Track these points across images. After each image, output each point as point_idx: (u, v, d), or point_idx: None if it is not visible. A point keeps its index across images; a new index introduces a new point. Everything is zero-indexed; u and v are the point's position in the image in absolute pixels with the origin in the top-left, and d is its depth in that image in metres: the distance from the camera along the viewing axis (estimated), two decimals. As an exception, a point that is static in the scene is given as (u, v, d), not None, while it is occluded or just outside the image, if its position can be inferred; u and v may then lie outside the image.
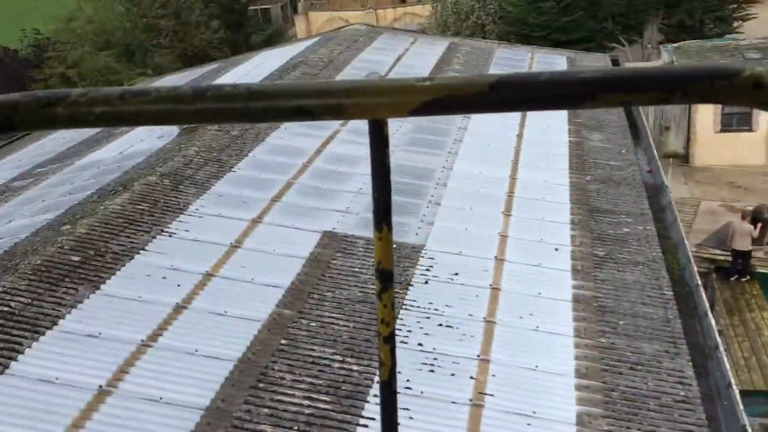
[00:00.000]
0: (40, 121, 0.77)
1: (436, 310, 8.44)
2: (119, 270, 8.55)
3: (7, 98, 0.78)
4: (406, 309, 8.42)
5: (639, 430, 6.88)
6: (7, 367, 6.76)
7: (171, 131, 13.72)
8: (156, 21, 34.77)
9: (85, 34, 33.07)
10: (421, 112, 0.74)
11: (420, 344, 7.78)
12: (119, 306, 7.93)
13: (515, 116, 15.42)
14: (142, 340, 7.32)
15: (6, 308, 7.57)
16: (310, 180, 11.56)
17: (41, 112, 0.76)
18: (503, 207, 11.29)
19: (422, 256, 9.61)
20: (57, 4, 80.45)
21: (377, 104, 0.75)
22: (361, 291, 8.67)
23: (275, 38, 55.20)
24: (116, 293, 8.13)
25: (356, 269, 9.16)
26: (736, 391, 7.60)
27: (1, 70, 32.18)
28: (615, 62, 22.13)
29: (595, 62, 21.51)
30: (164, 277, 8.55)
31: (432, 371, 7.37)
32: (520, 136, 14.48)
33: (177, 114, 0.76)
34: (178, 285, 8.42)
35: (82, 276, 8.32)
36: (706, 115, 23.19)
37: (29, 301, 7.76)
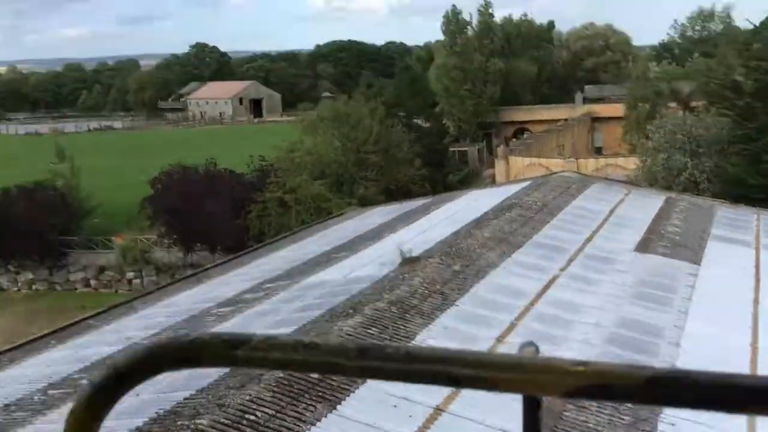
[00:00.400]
0: (223, 360, 0.83)
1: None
2: (353, 392, 8.67)
3: (197, 339, 0.83)
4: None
5: None
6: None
7: (393, 260, 14.17)
8: (367, 156, 37.25)
9: (303, 163, 36.02)
10: (574, 395, 0.73)
11: None
12: (354, 430, 7.99)
13: (749, 278, 14.42)
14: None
15: (253, 417, 7.88)
16: (534, 323, 11.32)
17: (225, 353, 0.82)
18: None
19: (661, 421, 8.90)
20: (283, 135, 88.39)
21: (529, 382, 0.75)
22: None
23: (471, 178, 56.73)
24: (351, 416, 8.21)
25: (590, 425, 8.64)
26: None
27: (227, 190, 35.58)
28: None
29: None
30: (395, 406, 8.54)
31: None
32: (756, 301, 13.41)
33: (341, 368, 0.80)
34: (410, 416, 8.36)
35: (320, 394, 8.52)
36: None
37: (273, 412, 8.03)
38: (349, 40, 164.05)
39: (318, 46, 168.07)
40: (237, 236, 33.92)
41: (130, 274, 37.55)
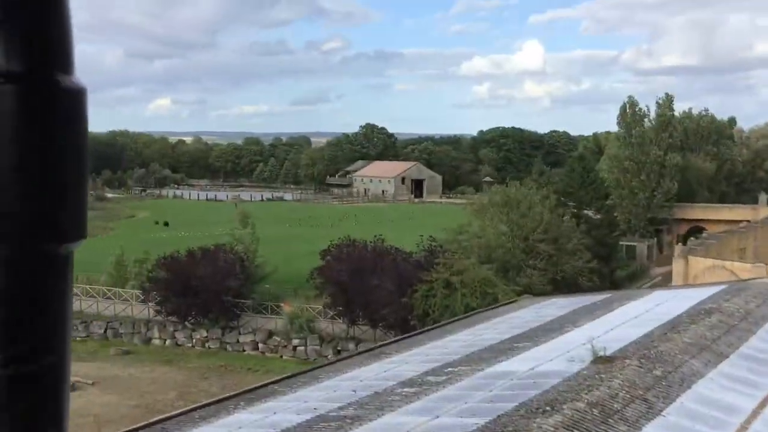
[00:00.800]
0: None
1: None
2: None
3: None
4: None
5: None
6: None
7: (582, 356, 13.58)
8: (535, 244, 36.67)
9: (470, 247, 36.02)
10: None
11: None
12: None
13: None
14: None
15: None
16: (752, 445, 10.31)
17: None
18: None
19: None
20: (443, 215, 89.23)
21: None
22: None
23: (639, 275, 54.05)
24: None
25: None
26: None
27: (395, 268, 36.15)
28: None
29: None
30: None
31: None
32: None
33: None
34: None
35: None
36: None
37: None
38: (512, 127, 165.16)
39: (481, 132, 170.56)
40: (401, 314, 34.19)
41: (295, 341, 38.72)
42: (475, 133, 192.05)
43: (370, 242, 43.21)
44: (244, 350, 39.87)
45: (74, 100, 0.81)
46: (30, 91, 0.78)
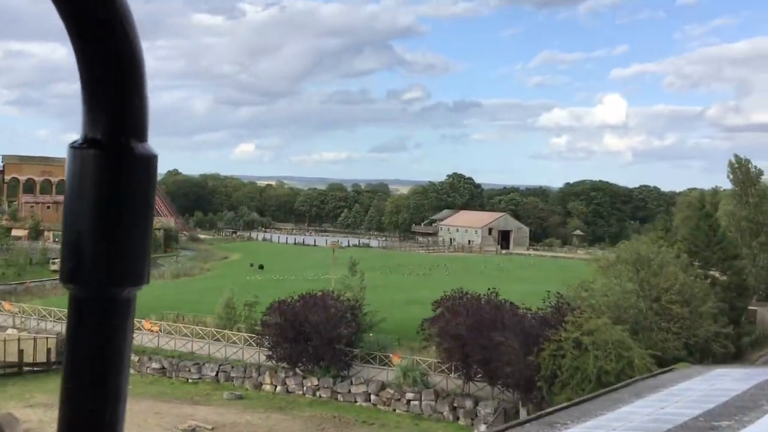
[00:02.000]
0: None
1: None
2: None
3: None
4: None
5: None
6: None
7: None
8: (668, 306, 34.91)
9: (598, 305, 34.56)
10: None
11: None
12: None
13: None
14: None
15: None
16: None
17: None
18: None
19: None
20: (545, 269, 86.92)
21: None
22: None
23: (761, 342, 50.99)
24: None
25: None
26: None
27: (518, 324, 34.98)
28: None
29: None
30: None
31: None
32: None
33: None
34: None
35: None
36: None
37: None
38: (600, 180, 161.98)
39: (567, 184, 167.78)
40: (525, 373, 32.88)
41: (409, 395, 37.78)
42: (560, 185, 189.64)
43: (484, 296, 42.23)
44: (355, 401, 39.17)
45: (146, 165, 0.92)
46: (108, 156, 0.89)
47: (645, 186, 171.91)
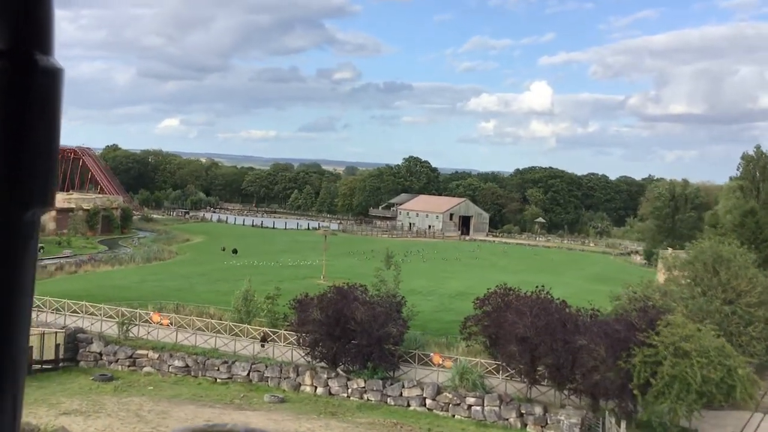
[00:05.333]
0: None
1: None
2: None
3: (233, 429, 0.78)
4: None
5: None
6: None
7: None
8: (748, 309, 33.66)
9: (676, 308, 32.93)
10: None
11: None
12: None
13: None
14: None
15: None
16: None
17: None
18: None
19: None
20: (522, 257, 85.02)
21: None
22: None
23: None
24: None
25: None
26: None
27: (600, 327, 33.03)
28: None
29: None
30: None
31: None
32: None
33: None
34: None
35: None
36: None
37: None
38: (551, 167, 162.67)
39: (518, 170, 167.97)
40: (616, 381, 30.98)
41: (470, 400, 35.42)
42: (488, 170, 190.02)
43: (532, 293, 40.21)
44: (409, 405, 36.53)
45: (51, 79, 0.88)
46: (10, 67, 0.85)
47: (593, 174, 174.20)
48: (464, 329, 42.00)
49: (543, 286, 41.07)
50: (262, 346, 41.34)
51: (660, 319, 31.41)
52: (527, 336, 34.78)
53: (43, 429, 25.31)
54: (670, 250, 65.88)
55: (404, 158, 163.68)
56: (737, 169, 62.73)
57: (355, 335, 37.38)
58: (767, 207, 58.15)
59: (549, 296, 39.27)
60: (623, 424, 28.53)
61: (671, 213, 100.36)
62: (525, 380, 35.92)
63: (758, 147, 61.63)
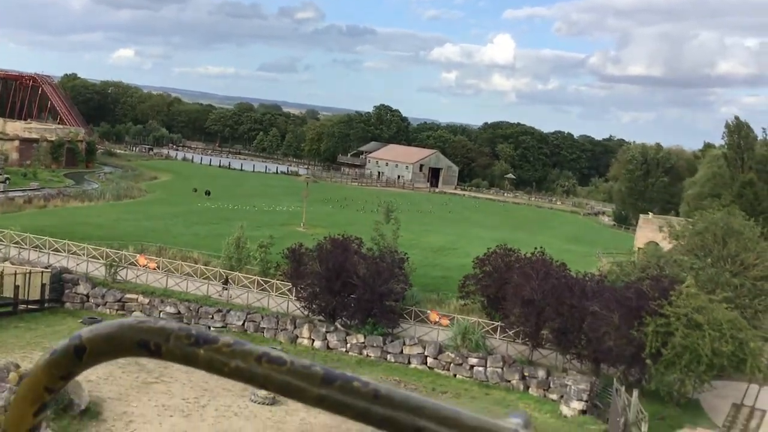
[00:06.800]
0: (182, 356, 0.80)
1: None
2: None
3: (166, 327, 0.81)
4: None
5: None
6: None
7: None
8: (755, 282, 33.84)
9: (689, 279, 32.88)
10: None
11: None
12: None
13: None
14: None
15: None
16: None
17: (186, 349, 0.79)
18: None
19: None
20: (494, 213, 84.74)
21: None
22: None
23: None
24: None
25: None
26: None
27: (611, 294, 32.82)
28: None
29: None
30: None
31: None
32: None
33: (301, 392, 0.76)
34: None
35: None
36: None
37: None
38: (520, 123, 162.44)
39: (487, 124, 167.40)
40: (628, 349, 30.91)
41: (472, 360, 35.12)
42: (448, 121, 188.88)
43: (532, 255, 39.88)
44: (410, 363, 36.10)
45: None
46: None
47: (559, 132, 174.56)
48: (463, 288, 41.60)
49: (543, 248, 40.78)
50: (225, 288, 40.27)
51: (673, 288, 31.27)
52: (533, 299, 34.46)
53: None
54: (650, 214, 66.32)
55: (375, 106, 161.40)
56: (722, 138, 63.00)
57: (356, 290, 36.56)
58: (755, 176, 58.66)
59: (549, 258, 39.05)
60: (635, 393, 28.47)
61: (643, 176, 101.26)
62: (528, 343, 35.74)
63: (737, 118, 62.04)
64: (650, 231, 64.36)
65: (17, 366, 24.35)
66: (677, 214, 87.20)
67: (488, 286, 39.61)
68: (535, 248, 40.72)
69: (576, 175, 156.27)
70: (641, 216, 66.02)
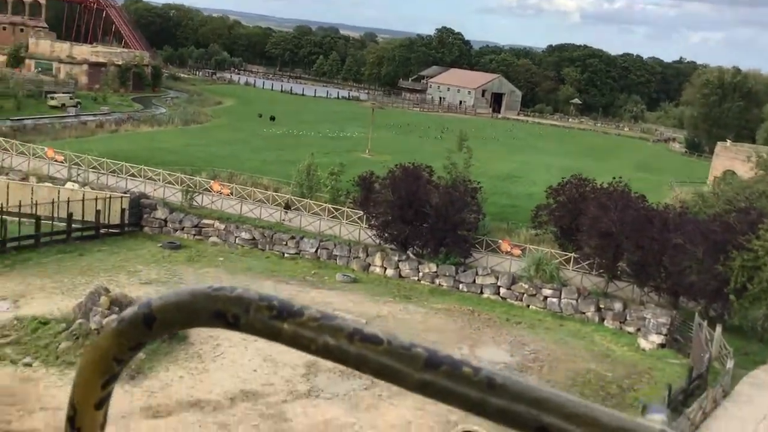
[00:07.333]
0: (263, 330, 0.73)
1: None
2: None
3: (245, 297, 0.74)
4: None
5: None
6: None
7: None
8: None
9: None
10: None
11: None
12: None
13: None
14: None
15: None
16: None
17: (267, 323, 0.72)
18: None
19: None
20: (569, 140, 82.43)
21: None
22: None
23: None
24: None
25: None
26: None
27: (695, 226, 31.85)
28: None
29: None
30: None
31: None
32: None
33: (400, 376, 0.67)
34: None
35: None
36: None
37: None
38: (587, 45, 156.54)
39: (551, 47, 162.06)
40: (713, 284, 30.14)
41: (546, 292, 34.90)
42: (533, 46, 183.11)
43: (609, 185, 38.86)
44: (482, 293, 36.05)
45: None
46: None
47: (628, 54, 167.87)
48: (535, 218, 41.01)
49: (620, 178, 39.66)
50: (286, 212, 40.66)
51: (761, 222, 30.11)
52: (611, 231, 33.70)
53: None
54: (728, 141, 63.72)
55: (436, 29, 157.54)
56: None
57: (429, 219, 36.36)
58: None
59: (627, 189, 38.00)
60: (718, 328, 27.86)
61: (718, 101, 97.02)
62: (603, 275, 35.19)
63: None
64: (728, 159, 62.05)
65: (107, 290, 25.12)
66: (753, 141, 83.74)
67: (562, 216, 38.92)
68: (613, 178, 39.64)
69: (644, 99, 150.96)
70: (718, 143, 63.52)
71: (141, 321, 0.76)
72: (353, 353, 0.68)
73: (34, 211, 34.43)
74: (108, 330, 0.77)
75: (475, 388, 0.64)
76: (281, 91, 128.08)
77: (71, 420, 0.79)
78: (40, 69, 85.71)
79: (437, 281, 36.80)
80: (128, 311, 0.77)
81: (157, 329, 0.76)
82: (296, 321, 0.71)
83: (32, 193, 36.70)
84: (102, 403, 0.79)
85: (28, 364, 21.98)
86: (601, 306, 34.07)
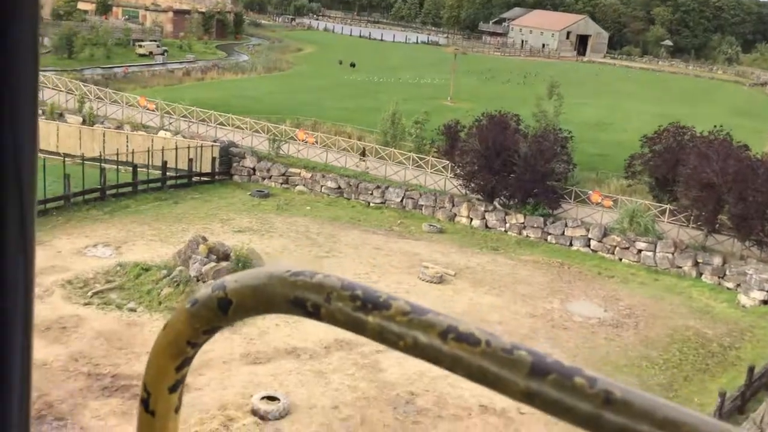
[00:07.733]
0: (346, 322, 0.67)
1: None
2: None
3: (327, 283, 0.68)
4: None
5: None
6: None
7: None
8: None
9: None
10: None
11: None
12: None
13: None
14: None
15: None
16: None
17: (351, 315, 0.66)
18: None
19: None
20: (683, 89, 78.87)
21: None
22: None
23: None
24: None
25: None
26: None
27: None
28: None
29: None
30: None
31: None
32: None
33: (501, 383, 0.58)
34: None
35: None
36: None
37: None
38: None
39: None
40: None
41: (640, 245, 33.84)
42: None
43: (710, 134, 37.06)
44: (571, 245, 35.26)
45: None
46: None
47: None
48: (629, 168, 39.61)
49: (721, 126, 37.71)
50: (362, 160, 40.44)
51: None
52: (713, 182, 32.17)
53: (236, 250, 25.21)
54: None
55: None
56: None
57: (516, 169, 35.56)
58: None
59: (729, 138, 36.15)
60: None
61: None
62: (702, 228, 33.79)
63: None
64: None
65: (205, 239, 25.69)
66: None
67: (658, 166, 37.44)
68: (714, 126, 37.75)
69: (740, 41, 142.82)
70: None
71: (216, 305, 0.71)
72: (447, 353, 0.60)
73: (130, 159, 35.44)
74: (181, 312, 0.73)
75: (590, 402, 0.55)
76: (359, 36, 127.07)
77: (145, 402, 0.77)
78: (127, 17, 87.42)
79: (524, 232, 36.17)
80: (202, 292, 0.72)
81: (233, 314, 0.71)
82: (382, 314, 0.64)
83: (127, 141, 37.74)
84: (176, 387, 0.76)
85: (133, 309, 22.83)
86: (699, 260, 32.80)
